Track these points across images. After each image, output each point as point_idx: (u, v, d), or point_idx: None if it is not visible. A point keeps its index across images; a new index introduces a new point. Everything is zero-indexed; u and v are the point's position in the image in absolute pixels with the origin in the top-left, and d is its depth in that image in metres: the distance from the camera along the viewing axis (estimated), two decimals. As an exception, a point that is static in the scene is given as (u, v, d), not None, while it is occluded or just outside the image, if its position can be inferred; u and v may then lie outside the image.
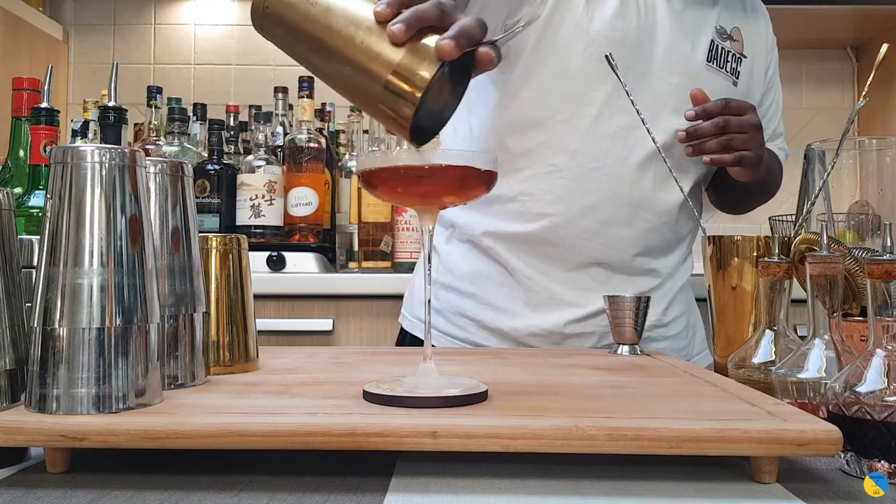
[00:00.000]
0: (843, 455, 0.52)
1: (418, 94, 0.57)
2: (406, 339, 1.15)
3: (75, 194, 0.53)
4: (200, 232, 0.69)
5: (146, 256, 0.56)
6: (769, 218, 0.91)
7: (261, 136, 1.83)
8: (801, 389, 0.62)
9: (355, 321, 1.65)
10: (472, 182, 0.59)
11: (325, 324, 1.62)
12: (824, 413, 0.54)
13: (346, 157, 1.95)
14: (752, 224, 1.44)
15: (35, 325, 0.53)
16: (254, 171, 1.79)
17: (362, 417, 0.51)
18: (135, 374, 0.54)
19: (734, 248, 0.85)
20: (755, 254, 0.84)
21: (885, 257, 0.53)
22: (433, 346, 0.64)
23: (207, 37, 2.35)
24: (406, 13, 0.59)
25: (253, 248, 1.04)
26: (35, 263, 0.58)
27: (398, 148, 1.67)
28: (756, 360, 0.73)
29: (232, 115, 2.01)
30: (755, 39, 1.11)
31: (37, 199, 0.97)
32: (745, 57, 1.08)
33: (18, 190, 1.02)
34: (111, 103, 1.03)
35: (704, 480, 0.50)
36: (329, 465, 0.52)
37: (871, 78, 0.83)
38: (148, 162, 0.62)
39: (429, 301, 0.62)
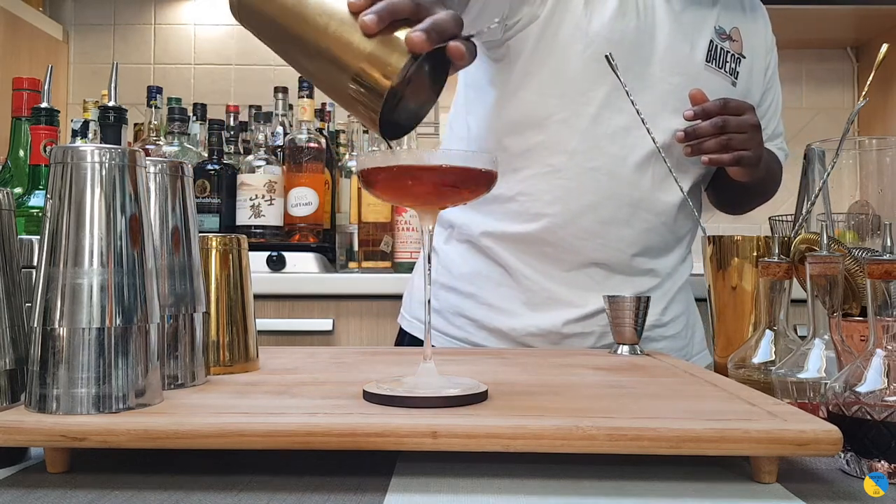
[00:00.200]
0: (843, 455, 0.52)
1: (387, 84, 0.57)
2: (405, 340, 1.15)
3: (75, 194, 0.53)
4: (200, 232, 0.69)
5: (146, 256, 0.56)
6: (769, 218, 0.91)
7: (261, 136, 1.83)
8: (801, 389, 0.62)
9: (355, 321, 1.65)
10: (472, 182, 0.59)
11: (325, 324, 1.63)
12: (824, 413, 0.54)
13: (346, 157, 1.95)
14: (752, 224, 1.44)
15: (35, 325, 0.53)
16: (254, 171, 1.79)
17: (362, 417, 0.51)
18: (135, 374, 0.54)
19: (734, 248, 0.85)
20: (755, 254, 0.84)
21: (885, 257, 0.53)
22: (432, 346, 0.63)
23: (207, 37, 2.35)
24: (379, 4, 0.59)
25: (253, 248, 1.04)
26: (35, 263, 0.58)
27: (398, 148, 1.67)
28: (756, 360, 0.73)
29: (232, 115, 2.01)
30: (754, 39, 1.11)
31: (37, 199, 0.97)
32: (744, 57, 1.08)
33: (18, 190, 1.02)
34: (111, 103, 1.03)
35: (704, 480, 0.50)
36: (329, 465, 0.52)
37: (871, 78, 0.83)
38: (148, 162, 0.62)
39: (429, 301, 0.62)
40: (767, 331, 0.74)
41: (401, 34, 0.59)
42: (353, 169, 1.87)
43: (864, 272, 0.64)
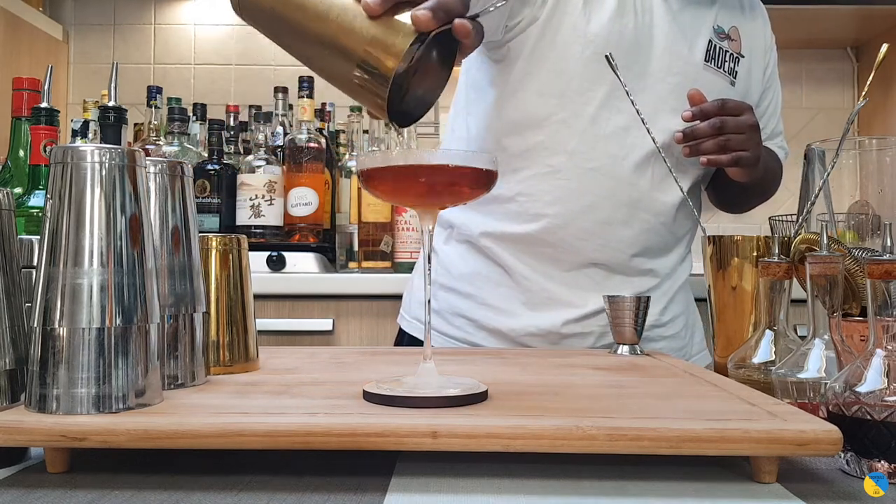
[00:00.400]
0: (843, 455, 0.52)
1: (393, 66, 0.56)
2: (405, 340, 1.15)
3: (75, 194, 0.53)
4: (200, 232, 0.69)
5: (146, 256, 0.56)
6: (769, 218, 0.91)
7: (261, 136, 1.83)
8: (801, 389, 0.62)
9: (355, 321, 1.65)
10: (472, 182, 0.59)
11: (325, 324, 1.63)
12: (824, 413, 0.54)
13: (346, 157, 1.95)
14: (752, 224, 1.44)
15: (35, 325, 0.53)
16: (254, 171, 1.79)
17: (362, 417, 0.51)
18: (135, 374, 0.54)
19: (734, 248, 0.85)
20: (755, 254, 0.84)
21: (885, 257, 0.53)
22: (432, 346, 0.63)
23: (207, 37, 2.35)
24: None
25: (253, 248, 1.04)
26: (35, 263, 0.58)
27: (398, 148, 1.67)
28: (756, 360, 0.73)
29: (232, 115, 2.02)
30: (753, 39, 1.11)
31: (37, 199, 0.97)
32: (743, 57, 1.08)
33: (18, 190, 1.02)
34: (111, 103, 1.03)
35: (704, 480, 0.50)
36: (329, 465, 0.52)
37: (871, 78, 0.83)
38: (148, 162, 0.62)
39: (429, 301, 0.62)
40: (767, 331, 0.74)
41: (405, 16, 0.57)
42: (353, 169, 1.87)
43: (864, 272, 0.64)
